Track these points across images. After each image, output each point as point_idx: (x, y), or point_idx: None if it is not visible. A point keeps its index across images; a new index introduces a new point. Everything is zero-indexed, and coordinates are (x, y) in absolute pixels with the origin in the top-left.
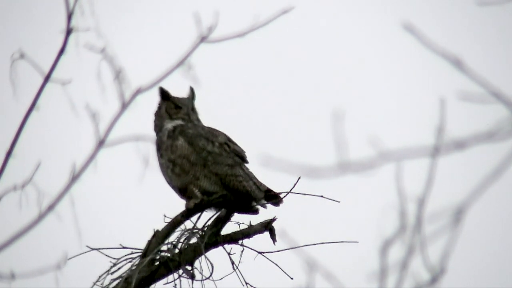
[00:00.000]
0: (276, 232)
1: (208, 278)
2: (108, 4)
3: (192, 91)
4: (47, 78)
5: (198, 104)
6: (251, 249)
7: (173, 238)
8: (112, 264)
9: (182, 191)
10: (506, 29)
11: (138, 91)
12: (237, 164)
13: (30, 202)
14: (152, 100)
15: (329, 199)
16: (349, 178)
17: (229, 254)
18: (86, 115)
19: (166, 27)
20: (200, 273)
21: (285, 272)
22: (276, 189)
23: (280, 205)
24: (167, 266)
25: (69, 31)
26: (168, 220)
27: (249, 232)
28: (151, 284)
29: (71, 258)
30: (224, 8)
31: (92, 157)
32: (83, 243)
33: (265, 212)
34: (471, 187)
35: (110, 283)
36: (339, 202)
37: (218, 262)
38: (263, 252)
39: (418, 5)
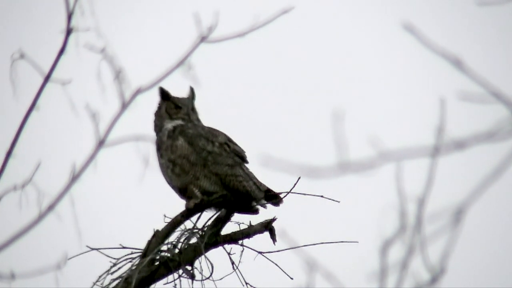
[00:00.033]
0: (276, 232)
1: (208, 278)
2: (108, 4)
3: (192, 91)
4: (47, 78)
5: (198, 104)
6: (251, 249)
7: (173, 238)
8: (112, 264)
9: (182, 191)
10: (506, 29)
11: (138, 91)
12: (237, 164)
13: (30, 202)
14: (152, 100)
15: (329, 199)
16: (349, 178)
17: (229, 254)
18: (86, 115)
19: (166, 27)
20: (200, 273)
21: (285, 272)
22: (276, 189)
23: (280, 205)
24: (167, 266)
25: (69, 31)
26: (168, 220)
27: (249, 232)
28: (151, 284)
29: (71, 258)
30: (224, 8)
31: (92, 157)
32: (83, 243)
33: (265, 212)
34: (471, 187)
35: (110, 283)
36: (339, 202)
37: (218, 262)
38: (263, 252)
39: (418, 5)
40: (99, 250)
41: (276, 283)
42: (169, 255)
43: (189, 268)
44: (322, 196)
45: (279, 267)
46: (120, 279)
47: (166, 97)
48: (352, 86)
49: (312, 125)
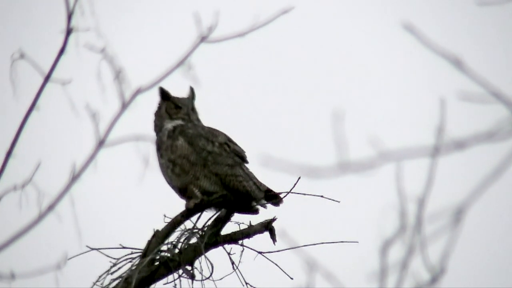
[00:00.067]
0: (276, 232)
1: (208, 278)
2: (108, 4)
3: (192, 91)
4: (47, 78)
5: (198, 104)
6: (251, 249)
7: (173, 238)
8: (112, 264)
9: (182, 191)
10: (506, 29)
11: (138, 91)
12: (237, 164)
13: (30, 202)
14: (152, 100)
15: (329, 199)
16: (349, 178)
17: (229, 254)
18: (86, 115)
19: (166, 27)
20: (200, 273)
21: (285, 272)
22: (276, 189)
23: (280, 205)
24: (167, 266)
25: (69, 31)
26: (168, 220)
27: (249, 232)
28: (151, 284)
29: (71, 258)
30: (224, 8)
31: (92, 157)
32: (83, 243)
33: (265, 212)
34: (471, 187)
35: (110, 283)
36: (339, 202)
37: (218, 262)
38: (263, 252)
39: (418, 5)
40: (99, 250)
41: (276, 283)
42: (169, 255)
43: (189, 268)
44: (322, 196)
45: (279, 267)
46: (120, 279)
47: (166, 97)
48: (352, 86)
49: (312, 125)
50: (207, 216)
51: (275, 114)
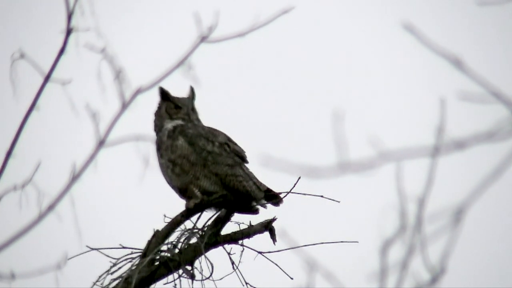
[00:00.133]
0: (276, 232)
1: (208, 278)
2: (108, 4)
3: (192, 91)
4: (47, 78)
5: (198, 104)
6: (251, 249)
7: (173, 238)
8: (112, 264)
9: (182, 191)
10: (506, 29)
11: (138, 91)
12: (237, 164)
13: (30, 202)
14: (152, 100)
15: (329, 199)
16: (349, 178)
17: (229, 254)
18: (86, 115)
19: (166, 27)
20: (200, 273)
21: (285, 272)
22: (276, 189)
23: (280, 205)
24: (167, 266)
25: (69, 31)
26: (168, 220)
27: (249, 232)
28: (151, 284)
29: (71, 258)
30: (224, 8)
31: (92, 157)
32: (83, 243)
33: (265, 212)
34: (471, 187)
35: (110, 283)
36: (339, 202)
37: (218, 262)
38: (263, 252)
39: (418, 5)
40: (99, 250)
41: (276, 283)
42: (169, 255)
43: (189, 268)
44: (322, 196)
45: (279, 267)
46: (120, 279)
47: (166, 97)
48: (352, 86)
49: (312, 125)
50: (207, 216)
51: (275, 114)
